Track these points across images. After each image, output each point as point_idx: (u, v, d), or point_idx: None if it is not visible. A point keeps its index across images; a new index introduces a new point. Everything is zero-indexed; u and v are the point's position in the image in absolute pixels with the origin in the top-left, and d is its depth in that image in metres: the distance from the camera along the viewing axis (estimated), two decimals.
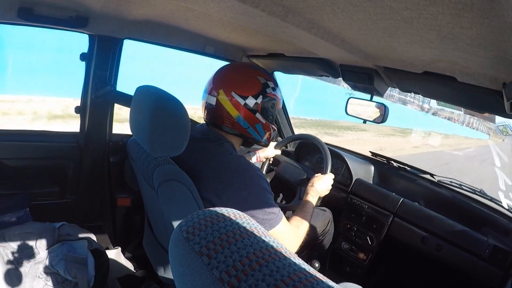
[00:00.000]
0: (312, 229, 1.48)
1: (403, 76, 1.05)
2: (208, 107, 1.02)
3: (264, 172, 1.66)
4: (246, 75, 1.01)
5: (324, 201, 1.63)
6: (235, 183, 0.91)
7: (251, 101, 0.98)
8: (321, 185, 1.31)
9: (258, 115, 1.01)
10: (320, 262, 1.66)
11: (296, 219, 1.09)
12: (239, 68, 1.05)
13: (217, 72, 1.04)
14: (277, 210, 0.95)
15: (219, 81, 1.00)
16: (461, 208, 1.45)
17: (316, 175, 1.37)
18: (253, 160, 1.58)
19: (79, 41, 1.34)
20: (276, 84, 1.05)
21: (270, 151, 1.66)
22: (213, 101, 0.99)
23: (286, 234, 0.99)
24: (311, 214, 1.16)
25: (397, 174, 1.71)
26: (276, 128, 1.12)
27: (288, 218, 1.06)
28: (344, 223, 1.66)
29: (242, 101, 0.98)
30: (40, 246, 1.19)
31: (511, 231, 1.30)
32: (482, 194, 1.49)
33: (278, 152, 1.70)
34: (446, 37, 0.64)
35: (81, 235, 1.33)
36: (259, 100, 0.99)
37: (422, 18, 0.58)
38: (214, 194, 0.92)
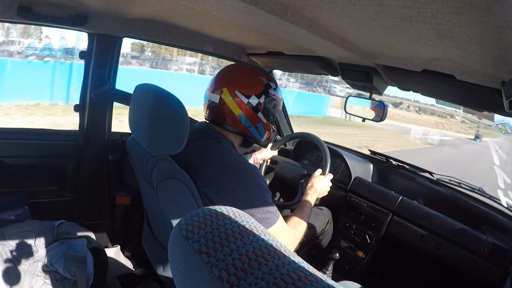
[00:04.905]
0: (311, 228, 1.48)
1: (402, 75, 1.05)
2: (210, 105, 1.03)
3: (262, 173, 1.66)
4: (249, 75, 1.03)
5: (323, 200, 1.63)
6: (234, 181, 0.91)
7: (254, 100, 1.00)
8: (321, 185, 1.31)
9: (260, 115, 1.03)
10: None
11: (294, 220, 1.09)
12: (242, 68, 1.08)
13: (220, 71, 1.06)
14: (274, 209, 0.95)
15: (223, 80, 1.02)
16: (460, 206, 1.45)
17: (316, 174, 1.36)
18: (250, 162, 1.57)
19: None
20: (277, 85, 1.07)
21: (267, 153, 1.65)
22: (216, 99, 1.01)
23: (283, 234, 0.99)
24: (309, 215, 1.16)
25: (396, 172, 1.71)
26: (275, 129, 1.13)
27: (286, 218, 1.06)
28: (343, 221, 1.66)
29: (245, 100, 0.99)
30: (39, 244, 1.19)
31: (510, 229, 1.30)
32: (481, 192, 1.49)
33: (275, 153, 1.69)
34: (445, 35, 0.64)
35: (80, 234, 1.33)
36: (262, 100, 1.01)
37: (421, 17, 0.58)
38: (213, 192, 0.92)
